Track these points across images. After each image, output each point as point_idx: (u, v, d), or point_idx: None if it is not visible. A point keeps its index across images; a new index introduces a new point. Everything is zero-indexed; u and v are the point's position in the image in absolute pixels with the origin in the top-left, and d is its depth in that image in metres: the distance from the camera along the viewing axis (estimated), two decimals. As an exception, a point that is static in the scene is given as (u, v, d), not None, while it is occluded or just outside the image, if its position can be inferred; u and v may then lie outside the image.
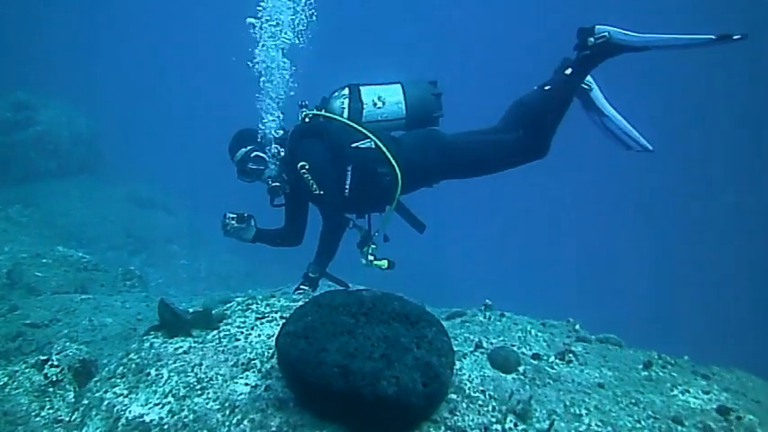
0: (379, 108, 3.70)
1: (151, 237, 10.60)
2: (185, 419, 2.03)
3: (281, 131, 3.82)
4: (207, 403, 2.09)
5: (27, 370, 2.48)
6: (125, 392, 2.24)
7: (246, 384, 2.17)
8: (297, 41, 3.82)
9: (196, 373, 2.25)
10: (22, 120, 10.49)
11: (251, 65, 3.80)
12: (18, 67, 15.16)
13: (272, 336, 2.45)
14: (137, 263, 9.25)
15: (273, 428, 1.94)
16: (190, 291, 8.61)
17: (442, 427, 1.97)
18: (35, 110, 10.82)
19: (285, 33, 3.78)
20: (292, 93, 3.83)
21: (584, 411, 2.18)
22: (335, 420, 1.94)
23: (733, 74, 18.42)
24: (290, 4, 3.81)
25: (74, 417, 2.28)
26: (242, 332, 2.52)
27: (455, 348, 2.30)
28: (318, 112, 3.72)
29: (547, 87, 3.61)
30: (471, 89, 17.41)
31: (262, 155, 3.80)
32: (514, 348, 2.60)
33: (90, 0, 24.61)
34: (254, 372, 2.25)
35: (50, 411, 2.34)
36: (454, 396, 2.12)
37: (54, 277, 5.18)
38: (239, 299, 2.94)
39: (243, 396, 2.10)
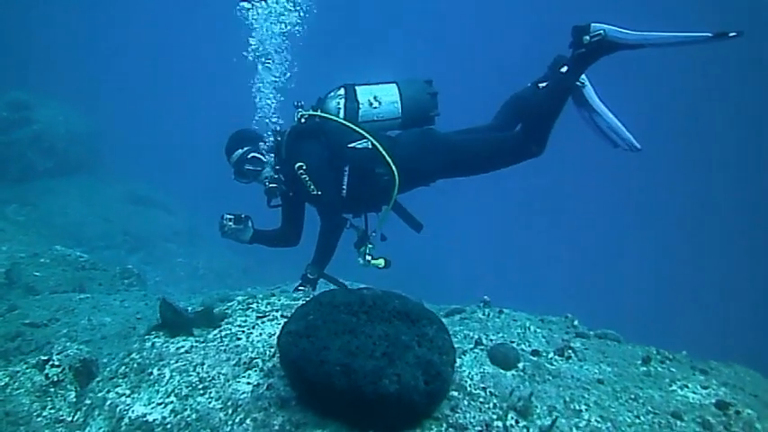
0: (375, 108, 3.68)
1: (149, 235, 10.58)
2: (188, 419, 2.04)
3: (278, 132, 3.79)
4: (209, 402, 2.10)
5: (28, 370, 2.48)
6: (127, 392, 2.25)
7: (249, 383, 2.18)
8: (298, 18, 3.77)
9: (198, 373, 2.26)
10: (19, 119, 10.48)
11: (246, 54, 3.76)
12: (17, 66, 15.11)
13: (274, 335, 2.46)
14: (134, 261, 9.21)
15: (276, 427, 1.95)
16: (188, 289, 8.61)
17: (444, 425, 1.98)
18: (32, 109, 10.80)
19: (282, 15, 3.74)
20: (291, 82, 3.79)
21: (583, 407, 2.20)
22: (338, 419, 1.95)
23: (733, 72, 18.41)
24: None
25: (76, 417, 2.29)
26: (243, 331, 2.53)
27: (455, 345, 2.31)
28: (314, 113, 3.69)
29: (542, 85, 3.61)
30: (464, 86, 17.37)
31: (258, 156, 3.78)
32: (514, 345, 2.62)
33: (90, 0, 24.52)
34: (256, 371, 2.25)
35: (52, 411, 2.35)
36: (455, 393, 2.14)
37: (52, 276, 5.16)
38: (240, 297, 2.94)
39: (245, 395, 2.11)
